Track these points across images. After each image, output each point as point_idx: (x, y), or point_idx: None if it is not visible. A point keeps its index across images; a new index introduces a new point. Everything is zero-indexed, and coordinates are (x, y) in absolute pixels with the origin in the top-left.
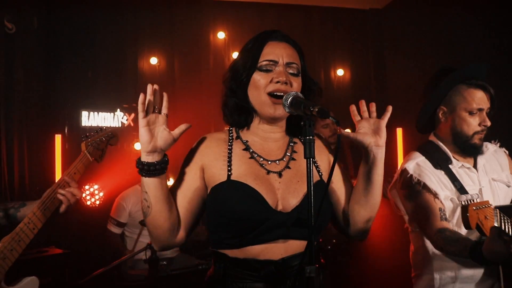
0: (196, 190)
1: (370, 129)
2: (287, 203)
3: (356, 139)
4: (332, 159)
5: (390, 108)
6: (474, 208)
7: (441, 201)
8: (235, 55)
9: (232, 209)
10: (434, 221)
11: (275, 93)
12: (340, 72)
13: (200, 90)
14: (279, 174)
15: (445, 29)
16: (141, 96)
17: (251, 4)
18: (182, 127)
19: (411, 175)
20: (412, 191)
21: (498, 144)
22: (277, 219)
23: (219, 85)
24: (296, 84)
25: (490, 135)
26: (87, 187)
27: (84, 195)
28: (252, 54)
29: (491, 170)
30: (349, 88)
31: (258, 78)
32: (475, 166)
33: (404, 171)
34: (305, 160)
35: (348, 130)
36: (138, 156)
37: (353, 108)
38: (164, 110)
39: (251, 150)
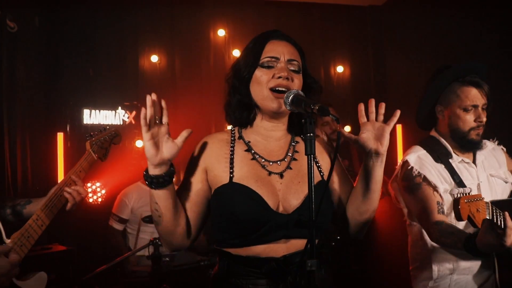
0: (202, 193)
1: (373, 134)
2: (288, 204)
3: (357, 143)
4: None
5: (398, 113)
6: (466, 201)
7: (440, 194)
8: (235, 52)
9: (233, 212)
10: (431, 214)
11: (277, 88)
12: (340, 69)
13: (201, 87)
14: (281, 175)
15: (445, 26)
16: (143, 111)
17: (251, 1)
18: (184, 134)
19: (412, 167)
20: (412, 183)
21: (496, 142)
22: (278, 220)
23: (219, 82)
24: (297, 80)
25: (489, 134)
26: (89, 184)
27: None
28: (254, 52)
29: (489, 166)
30: (349, 85)
31: (260, 74)
32: (474, 161)
33: (405, 163)
34: (306, 159)
35: (348, 127)
36: (139, 154)
37: (361, 107)
38: (165, 119)
39: (253, 151)
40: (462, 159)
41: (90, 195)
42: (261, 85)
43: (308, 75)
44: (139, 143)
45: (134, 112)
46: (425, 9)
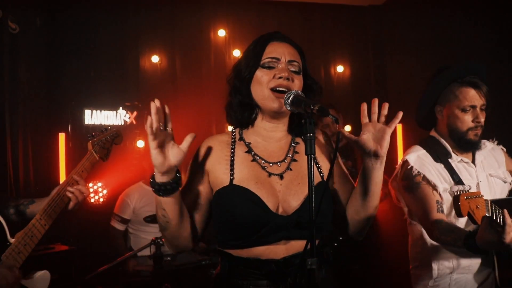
0: (205, 195)
1: (374, 135)
2: (287, 205)
3: (357, 144)
4: (335, 160)
5: (400, 115)
6: (466, 197)
7: (439, 194)
8: (235, 52)
9: (233, 214)
10: (431, 212)
11: (278, 88)
12: (340, 68)
13: (201, 87)
14: (281, 177)
15: (445, 26)
16: (148, 120)
17: (251, 1)
18: (189, 139)
19: (412, 167)
20: (412, 182)
21: (496, 142)
22: (278, 222)
23: (220, 82)
24: (298, 81)
25: (489, 134)
26: (90, 184)
27: None
28: (255, 53)
29: (488, 166)
30: (349, 85)
31: (261, 74)
32: (473, 161)
33: (405, 162)
34: (306, 160)
35: (348, 127)
36: (140, 154)
37: (364, 107)
38: (169, 125)
39: (253, 152)
40: (461, 159)
41: (91, 195)
42: (261, 85)
43: (308, 76)
44: (140, 143)
45: (135, 113)
46: (425, 9)
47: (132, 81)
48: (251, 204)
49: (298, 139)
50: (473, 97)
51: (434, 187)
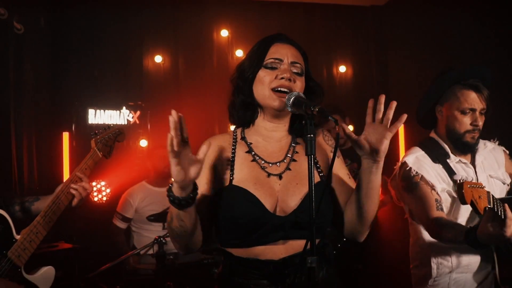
0: (208, 195)
1: (374, 137)
2: (286, 205)
3: (356, 144)
4: (335, 161)
5: (404, 117)
6: (469, 186)
7: (437, 193)
8: (238, 52)
9: (231, 214)
10: (430, 211)
11: (279, 89)
12: (342, 68)
13: (204, 87)
14: (279, 177)
15: (447, 26)
16: (169, 137)
17: (254, 2)
18: (204, 149)
19: (410, 168)
20: (411, 182)
21: (497, 142)
22: (275, 222)
23: (222, 82)
24: (299, 83)
25: (489, 134)
26: (94, 183)
27: None
28: (258, 54)
29: (488, 167)
30: (351, 85)
31: (264, 74)
32: (473, 162)
33: (404, 164)
34: (306, 161)
35: (350, 127)
36: (143, 153)
37: (371, 103)
38: (185, 134)
39: (253, 152)
40: (459, 159)
41: (95, 194)
42: (263, 85)
43: (310, 79)
44: (143, 143)
45: (138, 112)
46: (427, 9)
47: (136, 81)
48: (249, 204)
49: (299, 140)
50: (474, 100)
51: (432, 187)
